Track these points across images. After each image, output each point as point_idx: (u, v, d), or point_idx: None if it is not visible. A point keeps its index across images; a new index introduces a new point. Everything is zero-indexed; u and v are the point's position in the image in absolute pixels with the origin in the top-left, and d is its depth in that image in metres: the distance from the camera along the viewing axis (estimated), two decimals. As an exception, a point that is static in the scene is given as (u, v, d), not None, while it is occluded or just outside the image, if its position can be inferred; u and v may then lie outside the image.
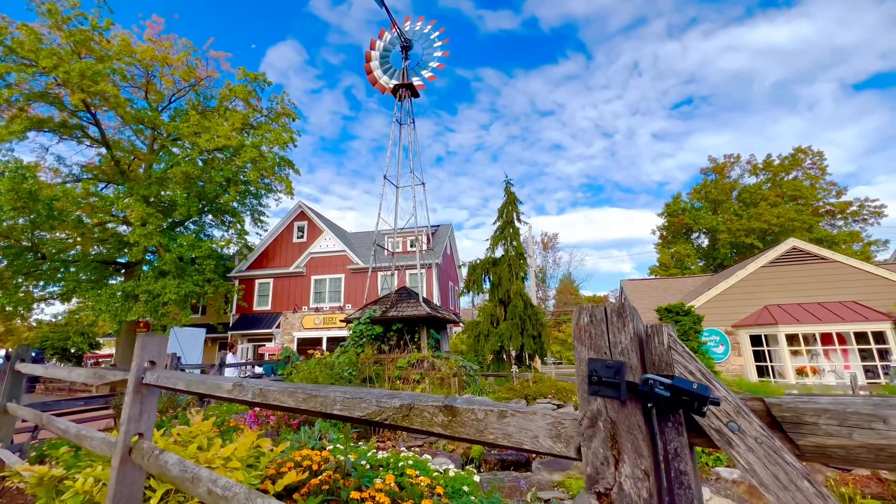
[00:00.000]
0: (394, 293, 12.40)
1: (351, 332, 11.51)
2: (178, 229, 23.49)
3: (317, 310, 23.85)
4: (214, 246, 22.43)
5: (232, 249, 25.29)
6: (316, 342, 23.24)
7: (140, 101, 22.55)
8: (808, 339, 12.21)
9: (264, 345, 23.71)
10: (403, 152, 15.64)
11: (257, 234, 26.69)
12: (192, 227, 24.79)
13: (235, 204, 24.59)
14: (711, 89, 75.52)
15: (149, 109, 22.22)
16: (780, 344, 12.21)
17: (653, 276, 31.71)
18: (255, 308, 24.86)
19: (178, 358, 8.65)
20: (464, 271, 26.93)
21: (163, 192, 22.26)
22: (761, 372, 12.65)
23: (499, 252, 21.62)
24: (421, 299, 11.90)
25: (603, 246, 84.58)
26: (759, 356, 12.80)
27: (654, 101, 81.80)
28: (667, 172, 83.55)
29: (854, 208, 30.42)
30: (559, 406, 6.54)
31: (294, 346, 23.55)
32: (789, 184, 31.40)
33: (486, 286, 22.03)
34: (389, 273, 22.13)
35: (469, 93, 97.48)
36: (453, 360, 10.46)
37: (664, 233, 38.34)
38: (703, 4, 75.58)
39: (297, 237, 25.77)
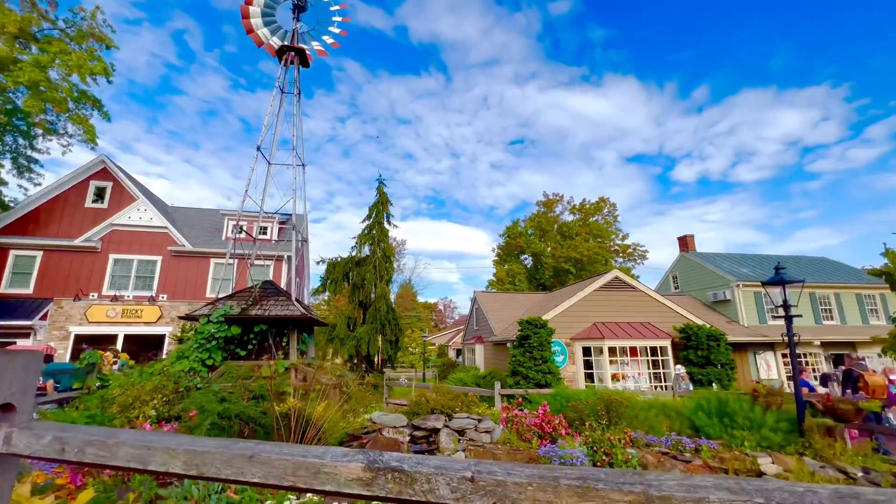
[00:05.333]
0: (257, 288, 10.24)
1: (195, 332, 8.96)
2: None
3: (114, 298, 18.23)
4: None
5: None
6: (107, 340, 17.70)
7: None
8: (622, 351, 15.14)
9: (15, 342, 16.81)
10: (284, 127, 13.31)
11: (21, 188, 18.97)
12: None
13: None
14: (539, 136, 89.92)
15: None
16: (603, 354, 14.79)
17: (494, 290, 35.19)
18: (4, 290, 17.49)
19: None
20: (312, 267, 24.72)
21: None
22: (589, 377, 15.07)
23: (365, 252, 20.56)
24: (294, 298, 10.14)
25: (436, 256, 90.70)
26: (587, 364, 15.24)
27: (496, 134, 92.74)
28: (498, 199, 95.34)
29: (630, 250, 40.15)
30: (479, 420, 6.27)
31: (69, 345, 17.45)
32: (595, 224, 39.51)
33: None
34: (227, 262, 18.64)
35: (329, 80, 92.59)
36: (329, 367, 9.18)
37: (501, 252, 43.28)
38: (542, 64, 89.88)
39: (94, 201, 19.35)
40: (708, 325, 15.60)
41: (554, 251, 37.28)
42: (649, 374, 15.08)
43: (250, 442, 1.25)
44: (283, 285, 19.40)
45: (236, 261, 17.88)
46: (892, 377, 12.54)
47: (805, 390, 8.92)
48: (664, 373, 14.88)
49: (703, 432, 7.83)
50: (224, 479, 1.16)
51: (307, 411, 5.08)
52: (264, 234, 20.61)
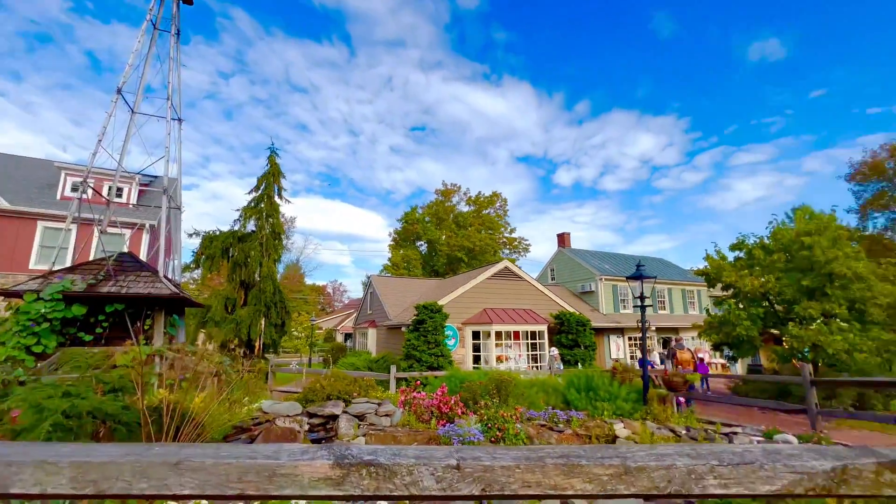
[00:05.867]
0: (110, 260, 8.48)
1: (16, 312, 7.08)
2: None
3: None
4: None
5: None
6: None
7: None
8: (507, 335, 16.44)
9: None
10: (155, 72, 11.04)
11: None
12: None
13: None
14: (440, 125, 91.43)
15: None
16: (491, 338, 15.88)
17: (389, 275, 34.99)
18: None
19: None
20: (184, 240, 21.64)
21: None
22: (476, 360, 16.05)
23: (250, 227, 18.55)
24: (162, 274, 8.67)
25: (328, 237, 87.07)
26: (476, 347, 16.20)
27: (398, 118, 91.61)
28: (395, 183, 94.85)
29: (516, 243, 43.64)
30: (379, 404, 6.15)
31: None
32: (487, 217, 41.91)
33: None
34: (65, 228, 15.31)
35: (212, 27, 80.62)
36: (205, 353, 8.14)
37: (398, 237, 43.25)
38: (448, 55, 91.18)
39: None
40: (577, 313, 17.82)
41: (449, 239, 38.58)
42: (528, 355, 16.67)
43: (171, 445, 1.01)
44: (144, 259, 16.53)
45: (76, 226, 14.57)
46: (700, 354, 15.91)
47: (649, 367, 10.80)
48: (540, 354, 16.61)
49: (573, 405, 8.96)
50: (139, 495, 0.92)
51: (184, 404, 4.43)
52: (120, 196, 17.24)
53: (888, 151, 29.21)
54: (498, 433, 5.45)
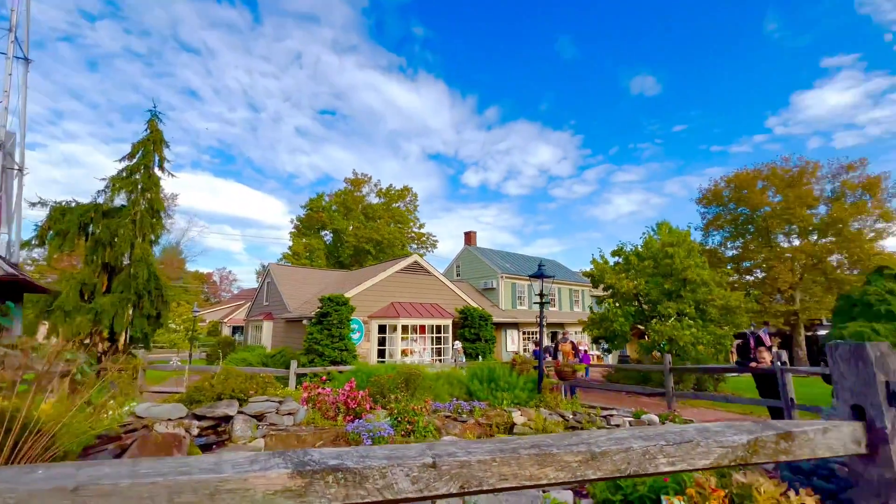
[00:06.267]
0: (-90, 227, 6.45)
1: None
2: None
3: None
4: None
5: None
6: None
7: None
8: (413, 329, 16.53)
9: None
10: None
11: None
12: None
13: None
14: (352, 112, 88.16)
15: None
16: (397, 332, 15.83)
17: (289, 264, 32.67)
18: None
19: None
20: (25, 210, 17.80)
21: None
22: (381, 354, 15.85)
23: (119, 200, 15.71)
24: (-7, 248, 6.88)
25: (217, 220, 78.69)
26: (381, 341, 15.99)
27: (306, 98, 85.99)
28: (300, 167, 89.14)
29: (424, 238, 44.16)
30: (281, 402, 5.62)
31: None
32: (397, 210, 41.62)
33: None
34: None
35: (75, -44, 66.42)
36: (54, 349, 6.70)
37: (301, 224, 40.66)
38: (365, 41, 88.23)
39: None
40: (480, 308, 18.68)
41: (357, 230, 37.46)
42: (433, 349, 17.00)
43: (62, 465, 0.78)
44: (-41, 230, 12.96)
45: None
46: (580, 347, 17.86)
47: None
48: (444, 348, 17.06)
49: (475, 396, 9.37)
50: None
51: (27, 412, 3.59)
52: (-76, 147, 13.28)
53: (725, 182, 36.08)
54: (408, 426, 5.44)
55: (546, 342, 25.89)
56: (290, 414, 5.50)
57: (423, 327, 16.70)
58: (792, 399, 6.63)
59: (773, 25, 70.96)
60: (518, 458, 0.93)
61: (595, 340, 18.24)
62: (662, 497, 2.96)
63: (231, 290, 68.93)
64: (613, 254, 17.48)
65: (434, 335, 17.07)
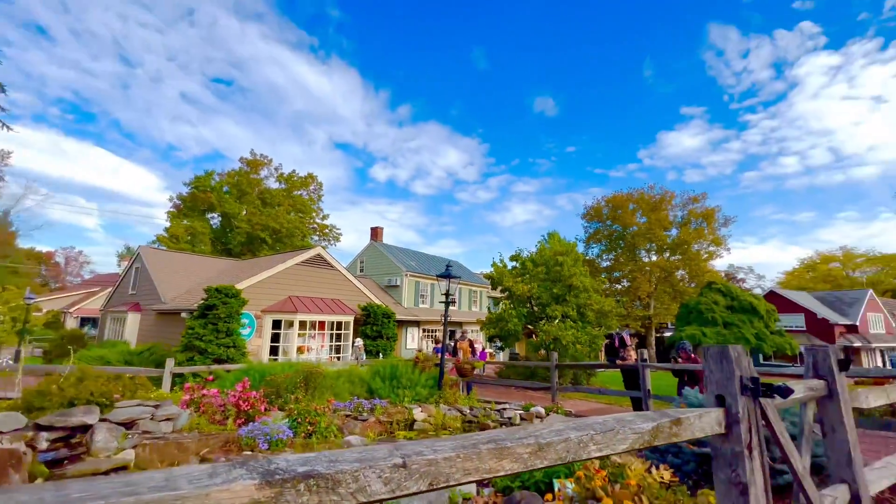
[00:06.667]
0: None
1: None
2: None
3: None
4: None
5: None
6: None
7: None
8: (312, 324, 15.71)
9: None
10: None
11: None
12: None
13: None
14: (252, 85, 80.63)
15: None
16: (294, 328, 14.89)
17: (165, 248, 28.45)
18: None
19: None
20: None
21: None
22: (274, 351, 14.74)
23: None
24: None
25: (66, 188, 65.59)
26: (275, 337, 14.89)
27: (197, 61, 76.12)
28: (183, 139, 78.58)
29: (327, 230, 42.23)
30: (157, 406, 4.80)
31: None
32: (300, 199, 39.07)
33: None
34: None
35: None
36: None
37: (183, 204, 35.75)
38: (273, 11, 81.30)
39: None
40: (384, 305, 18.54)
41: (251, 216, 34.24)
42: (331, 346, 16.37)
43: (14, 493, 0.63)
44: None
45: None
46: (476, 345, 18.87)
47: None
48: (344, 345, 16.55)
49: (377, 394, 9.29)
50: None
51: None
52: None
53: (605, 202, 41.33)
54: (309, 427, 5.17)
55: (447, 340, 26.73)
56: (168, 419, 4.82)
57: (322, 323, 15.98)
58: (648, 390, 7.89)
59: (649, 72, 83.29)
60: (479, 452, 1.00)
61: (490, 339, 19.39)
62: (555, 481, 3.31)
63: (81, 275, 57.75)
64: (512, 258, 18.82)
65: (334, 332, 16.45)
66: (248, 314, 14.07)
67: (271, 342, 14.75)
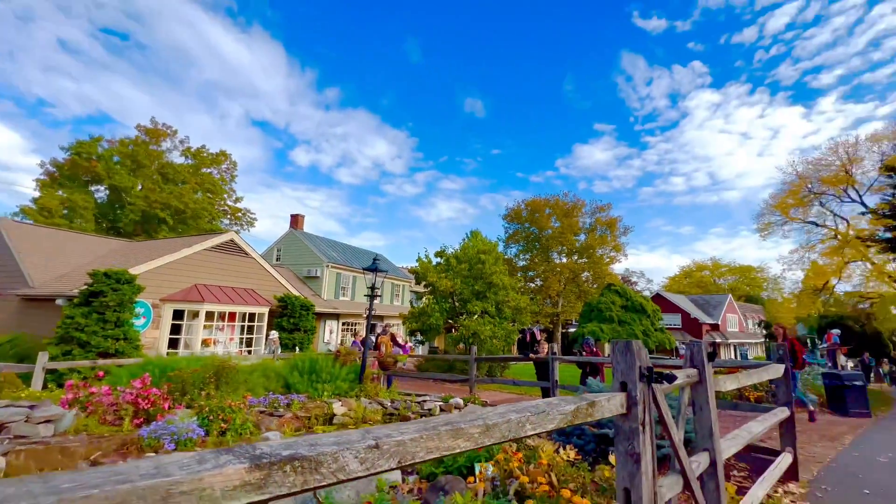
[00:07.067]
0: None
1: None
2: None
3: None
4: None
5: None
6: None
7: None
8: (221, 315, 14.50)
9: None
10: None
11: None
12: None
13: None
14: (153, 44, 70.94)
15: None
16: (199, 318, 13.62)
17: (32, 222, 23.99)
18: None
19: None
20: None
21: None
22: (174, 343, 13.34)
23: None
24: None
25: None
26: (176, 329, 13.48)
27: (82, 5, 64.87)
28: (59, 93, 66.59)
29: (240, 214, 39.03)
30: (32, 406, 4.05)
31: None
32: (209, 177, 35.48)
33: None
34: None
35: None
36: None
37: (60, 171, 30.37)
38: (188, -35, 72.43)
39: None
40: (303, 297, 17.76)
41: (149, 193, 30.32)
42: (242, 339, 15.29)
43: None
44: None
45: None
46: (397, 339, 18.99)
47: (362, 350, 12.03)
48: (256, 338, 15.55)
49: (294, 388, 8.95)
50: None
51: None
52: None
53: (525, 205, 43.88)
54: (223, 424, 4.86)
55: (364, 334, 26.37)
56: (48, 421, 4.19)
57: (232, 315, 14.85)
58: (556, 381, 8.69)
59: (569, 87, 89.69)
60: (439, 433, 1.13)
61: (411, 333, 19.58)
62: (477, 465, 3.57)
63: None
64: (437, 254, 19.19)
65: (246, 324, 15.38)
66: (145, 303, 12.57)
67: (171, 334, 13.34)
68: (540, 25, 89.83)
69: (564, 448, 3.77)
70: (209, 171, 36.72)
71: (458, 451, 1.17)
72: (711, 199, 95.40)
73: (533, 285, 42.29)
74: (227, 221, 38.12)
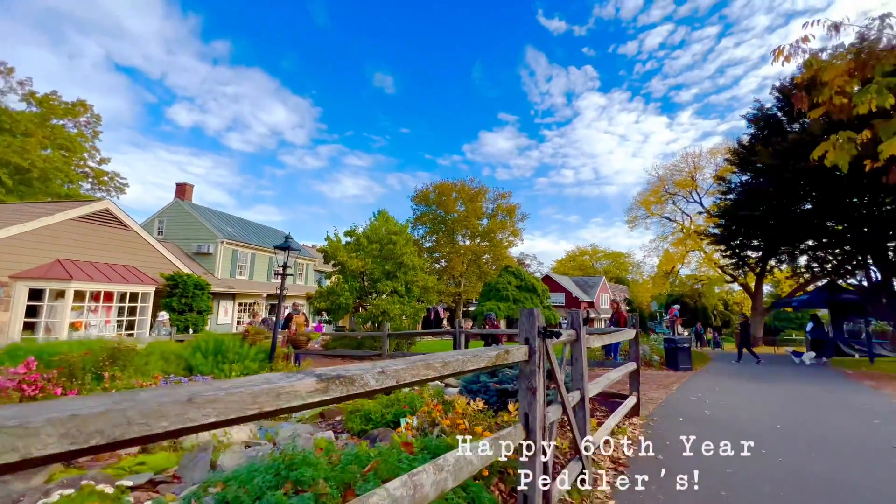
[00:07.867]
0: None
1: None
2: None
3: None
4: None
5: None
6: None
7: None
8: (94, 295, 12.71)
9: None
10: None
11: None
12: None
13: None
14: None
15: None
16: (65, 299, 11.82)
17: None
18: None
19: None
20: None
21: None
22: (30, 327, 11.41)
23: None
24: None
25: None
26: (32, 311, 11.52)
27: None
28: None
29: (107, 178, 33.27)
30: None
31: None
32: (62, 131, 29.36)
33: None
34: None
35: None
36: None
37: None
38: None
39: None
40: (196, 275, 16.33)
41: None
42: (122, 321, 13.65)
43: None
44: None
45: None
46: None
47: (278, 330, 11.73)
48: (140, 319, 13.99)
49: (197, 370, 8.54)
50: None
51: None
52: None
53: (433, 188, 45.02)
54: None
55: (264, 314, 25.03)
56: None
57: (109, 294, 13.12)
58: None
59: (478, 74, 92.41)
60: (416, 366, 1.67)
61: (318, 312, 19.28)
62: (402, 419, 4.17)
63: None
64: (346, 234, 19.02)
65: (127, 304, 13.71)
66: (-12, 280, 10.51)
67: (27, 317, 11.38)
68: (452, 10, 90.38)
69: (474, 400, 4.57)
70: (62, 122, 30.48)
71: (429, 377, 1.72)
72: (594, 192, 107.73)
73: (438, 266, 43.94)
74: (87, 186, 32.29)
